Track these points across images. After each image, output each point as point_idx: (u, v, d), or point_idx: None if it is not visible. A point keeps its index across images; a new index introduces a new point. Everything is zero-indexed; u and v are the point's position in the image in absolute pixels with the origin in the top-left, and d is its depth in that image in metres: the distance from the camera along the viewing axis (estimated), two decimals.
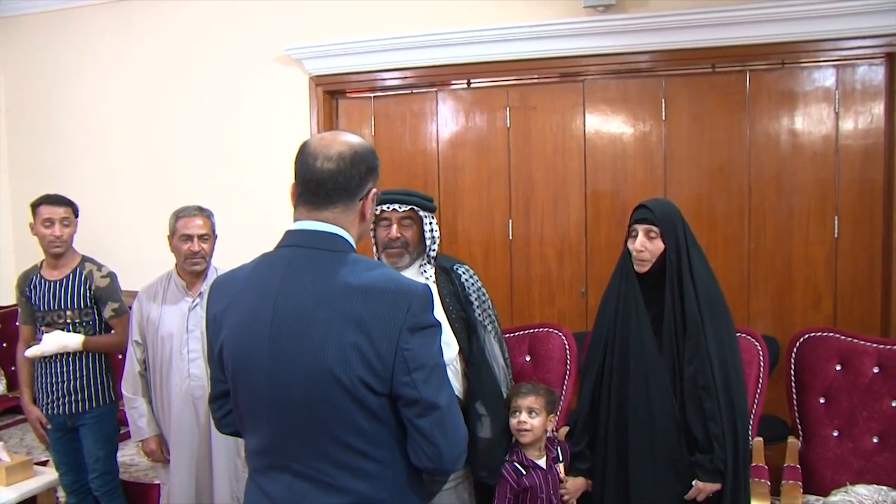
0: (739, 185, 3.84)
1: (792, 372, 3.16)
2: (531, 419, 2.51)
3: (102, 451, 3.30)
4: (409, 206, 2.52)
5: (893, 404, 3.02)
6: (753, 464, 2.84)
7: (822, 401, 3.11)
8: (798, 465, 2.99)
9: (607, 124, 4.03)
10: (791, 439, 3.16)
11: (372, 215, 1.63)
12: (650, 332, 2.38)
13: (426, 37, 4.07)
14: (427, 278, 2.57)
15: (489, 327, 2.62)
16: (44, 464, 3.58)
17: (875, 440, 3.02)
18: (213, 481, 3.03)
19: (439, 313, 2.51)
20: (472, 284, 2.63)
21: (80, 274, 3.27)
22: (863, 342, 3.12)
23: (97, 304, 3.29)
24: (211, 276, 3.05)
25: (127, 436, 3.39)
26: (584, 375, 2.61)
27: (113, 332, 3.31)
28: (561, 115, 4.09)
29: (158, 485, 3.26)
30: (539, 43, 3.91)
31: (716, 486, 2.33)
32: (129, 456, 3.68)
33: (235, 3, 4.53)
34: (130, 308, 3.18)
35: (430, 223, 2.55)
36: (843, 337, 3.14)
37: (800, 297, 3.81)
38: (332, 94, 4.47)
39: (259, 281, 1.54)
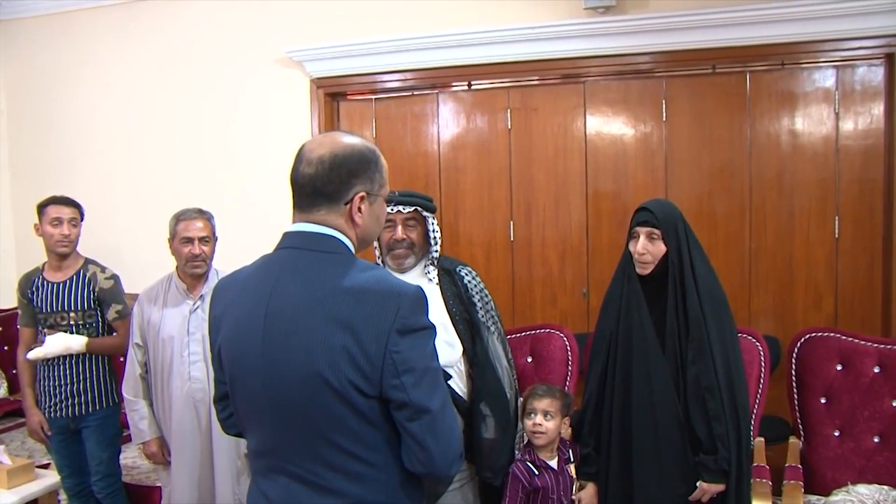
0: (740, 186, 3.84)
1: (793, 372, 3.16)
2: (546, 422, 2.53)
3: (105, 453, 3.30)
4: (413, 208, 2.53)
5: (894, 404, 3.02)
6: (755, 464, 2.84)
7: (823, 401, 3.11)
8: (799, 465, 2.99)
9: (608, 125, 4.03)
10: (792, 439, 3.16)
11: (374, 220, 1.59)
12: (653, 334, 2.38)
13: (427, 39, 4.08)
14: (430, 280, 2.58)
15: (492, 328, 2.63)
16: (45, 467, 3.57)
17: (876, 440, 3.02)
18: (215, 483, 3.02)
19: (443, 315, 2.52)
20: (476, 286, 2.64)
21: (84, 276, 3.28)
22: (863, 342, 3.12)
23: (101, 305, 3.29)
24: (212, 279, 3.06)
25: (129, 438, 3.39)
26: (587, 377, 2.61)
27: (116, 333, 3.31)
28: (562, 117, 4.10)
29: (160, 487, 3.26)
30: (540, 44, 3.92)
31: (720, 487, 2.33)
32: (131, 458, 3.68)
33: (236, 6, 4.53)
34: (132, 310, 3.18)
35: (433, 223, 2.57)
36: (843, 337, 3.14)
37: (801, 296, 3.82)
38: (333, 96, 4.48)
39: (255, 283, 1.55)
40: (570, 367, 3.10)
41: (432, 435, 1.46)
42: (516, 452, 2.62)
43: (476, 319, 2.60)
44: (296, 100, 4.45)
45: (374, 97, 4.45)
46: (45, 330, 3.24)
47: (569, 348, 3.12)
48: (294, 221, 1.56)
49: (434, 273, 2.60)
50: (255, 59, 4.51)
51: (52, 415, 3.26)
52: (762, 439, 3.11)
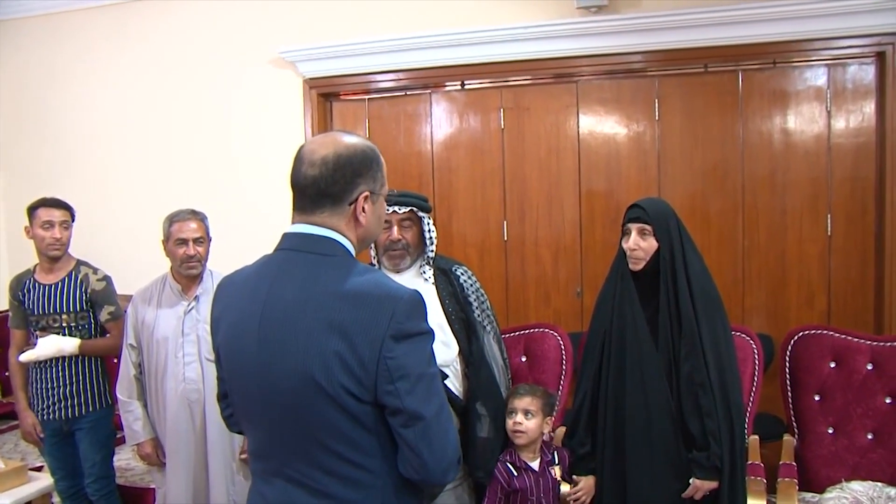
0: (733, 184, 3.85)
1: (787, 369, 3.18)
2: (527, 421, 2.52)
3: (99, 455, 3.29)
4: (409, 208, 2.53)
5: (887, 401, 3.03)
6: (749, 462, 2.85)
7: (816, 398, 3.13)
8: (794, 463, 3.00)
9: (601, 125, 4.04)
10: (786, 437, 3.17)
11: (376, 219, 1.58)
12: (646, 331, 2.39)
13: (420, 39, 4.07)
14: (426, 279, 2.59)
15: (488, 328, 2.64)
16: (38, 469, 3.56)
17: (869, 437, 3.04)
18: (209, 485, 3.02)
19: (439, 314, 2.52)
20: (471, 286, 2.65)
21: (76, 277, 3.27)
22: (856, 339, 3.14)
23: (93, 307, 3.28)
24: (206, 280, 3.05)
25: (123, 440, 3.38)
26: (580, 375, 2.61)
27: (109, 335, 3.30)
28: (555, 116, 4.10)
29: (154, 489, 3.26)
30: (532, 44, 3.92)
31: (713, 484, 2.34)
32: (125, 460, 3.66)
33: (229, 6, 4.52)
34: (125, 311, 3.17)
35: (429, 223, 2.58)
36: (836, 334, 3.16)
37: (794, 294, 3.83)
38: (326, 96, 4.47)
39: (252, 285, 1.54)
40: (564, 367, 3.11)
41: (426, 442, 1.44)
42: None
43: (472, 319, 2.60)
44: (289, 100, 4.44)
45: (367, 97, 4.45)
46: (38, 332, 3.23)
47: (563, 347, 3.13)
48: (294, 222, 1.54)
49: (430, 273, 2.60)
50: (249, 60, 4.50)
51: (44, 417, 3.25)
52: (756, 437, 3.12)
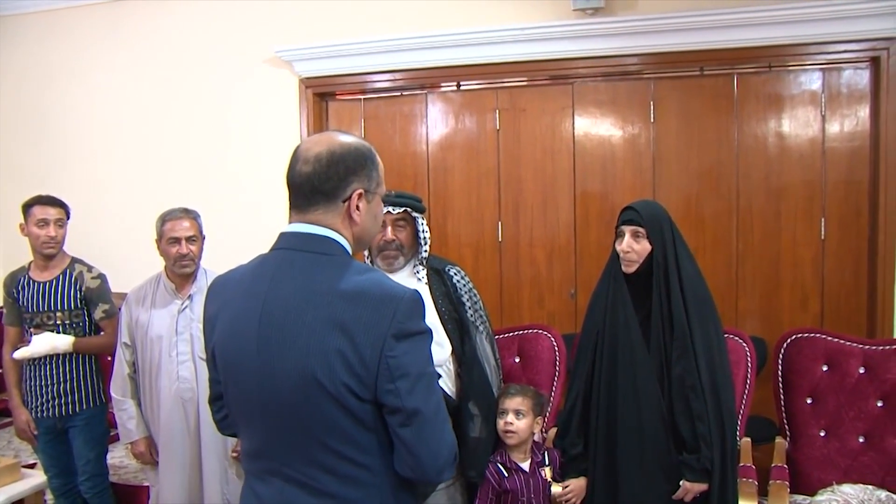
0: (727, 187, 3.86)
1: (779, 372, 3.19)
2: (518, 421, 2.52)
3: (93, 453, 3.29)
4: (403, 208, 2.53)
5: (879, 404, 3.04)
6: (741, 464, 2.85)
7: (808, 401, 3.14)
8: (785, 465, 3.01)
9: (596, 126, 4.05)
10: (778, 439, 3.18)
11: (371, 218, 1.58)
12: (638, 333, 2.40)
13: (416, 39, 4.08)
14: (420, 279, 2.59)
15: (481, 328, 2.65)
16: (32, 466, 3.56)
17: (861, 440, 3.05)
18: (203, 483, 3.02)
19: (432, 314, 2.53)
20: (464, 286, 2.65)
21: (70, 275, 3.27)
22: (849, 343, 3.15)
23: (87, 305, 3.28)
24: (200, 278, 3.05)
25: (116, 438, 3.38)
26: (572, 376, 2.62)
27: (103, 333, 3.30)
28: (550, 118, 4.11)
29: (148, 487, 3.25)
30: (528, 45, 3.93)
31: (703, 487, 2.35)
32: (119, 458, 3.66)
33: (225, 6, 4.52)
34: (120, 310, 3.17)
35: (423, 224, 2.58)
36: (829, 338, 3.17)
37: (787, 297, 3.84)
38: (322, 96, 4.48)
39: (250, 283, 1.53)
40: (557, 368, 3.11)
41: (423, 441, 1.45)
42: None
43: (465, 319, 2.61)
44: (285, 100, 4.44)
45: (362, 97, 4.45)
46: (32, 329, 3.23)
47: (556, 348, 3.13)
48: (291, 222, 1.55)
49: (423, 273, 2.61)
50: (244, 59, 4.50)
51: (38, 415, 3.25)
52: (748, 439, 3.12)
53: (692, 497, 2.36)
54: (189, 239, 2.98)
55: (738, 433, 2.50)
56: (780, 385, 3.18)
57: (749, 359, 3.06)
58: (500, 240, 4.23)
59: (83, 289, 3.26)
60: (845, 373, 3.10)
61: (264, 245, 1.61)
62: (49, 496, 3.48)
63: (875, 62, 3.61)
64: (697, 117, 3.88)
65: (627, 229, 2.40)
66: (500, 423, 2.55)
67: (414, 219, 2.58)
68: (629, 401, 2.38)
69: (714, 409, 2.34)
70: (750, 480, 2.81)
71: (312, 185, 1.50)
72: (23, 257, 3.41)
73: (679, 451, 2.36)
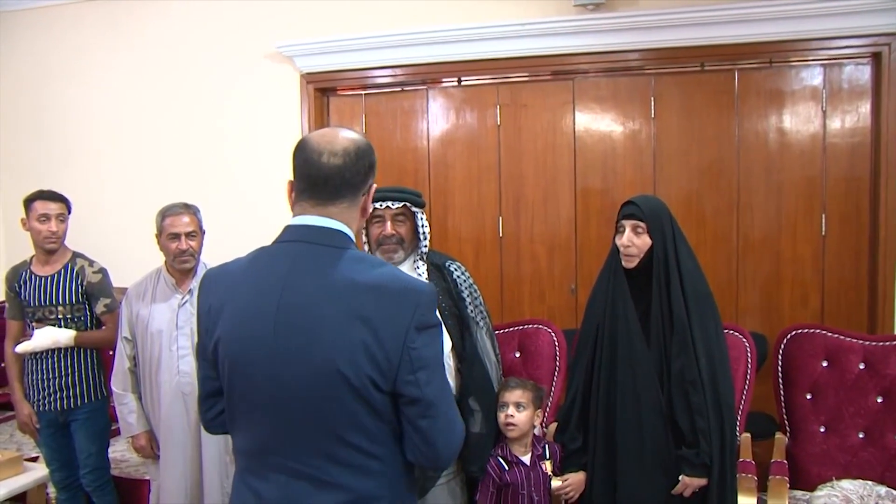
0: (728, 183, 3.86)
1: (779, 368, 3.19)
2: (518, 413, 2.53)
3: (94, 446, 3.30)
4: (403, 203, 2.53)
5: (879, 400, 3.05)
6: (741, 459, 2.86)
7: (808, 397, 3.14)
8: (785, 461, 3.02)
9: (597, 122, 4.05)
10: (778, 435, 3.19)
11: (369, 211, 1.63)
12: (638, 328, 2.40)
13: (417, 34, 4.08)
14: (420, 275, 2.59)
15: (481, 323, 2.65)
16: (34, 460, 3.57)
17: (861, 435, 3.05)
18: (203, 477, 3.03)
19: None
20: (464, 281, 2.65)
21: (72, 269, 3.27)
22: (849, 339, 3.15)
23: (89, 299, 3.28)
24: (200, 273, 3.06)
25: (118, 432, 3.39)
26: (572, 371, 2.63)
27: (104, 327, 3.31)
28: (551, 113, 4.11)
29: (149, 480, 3.27)
30: (529, 41, 3.93)
31: (702, 481, 2.35)
32: (120, 452, 3.67)
33: (226, 1, 4.52)
34: (120, 304, 3.18)
35: (422, 219, 2.58)
36: (829, 333, 3.17)
37: (787, 293, 3.85)
38: (324, 91, 4.48)
39: (261, 275, 1.53)
40: (557, 363, 3.12)
41: (439, 430, 1.50)
42: None
43: (465, 315, 2.61)
44: (286, 95, 4.45)
45: (363, 92, 4.45)
46: (34, 323, 3.24)
47: (556, 343, 3.14)
48: (303, 213, 1.54)
49: (423, 268, 2.61)
50: (246, 54, 4.50)
51: (40, 408, 3.26)
52: (748, 435, 3.13)
53: (691, 492, 2.37)
54: (189, 234, 2.99)
55: (737, 428, 2.51)
56: (780, 381, 3.19)
57: (749, 354, 3.06)
58: (500, 235, 4.23)
59: (84, 283, 3.27)
60: (845, 368, 3.10)
61: (264, 240, 1.61)
62: (51, 489, 3.49)
63: (876, 58, 3.61)
64: (698, 113, 3.88)
65: (628, 224, 2.40)
66: (501, 416, 2.56)
67: (413, 213, 2.57)
68: (629, 396, 2.39)
69: (713, 404, 2.34)
70: (749, 476, 2.82)
71: (343, 177, 1.51)
72: (24, 252, 3.42)
73: (678, 446, 2.36)
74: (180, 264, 3.00)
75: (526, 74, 4.13)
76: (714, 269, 3.78)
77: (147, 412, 3.09)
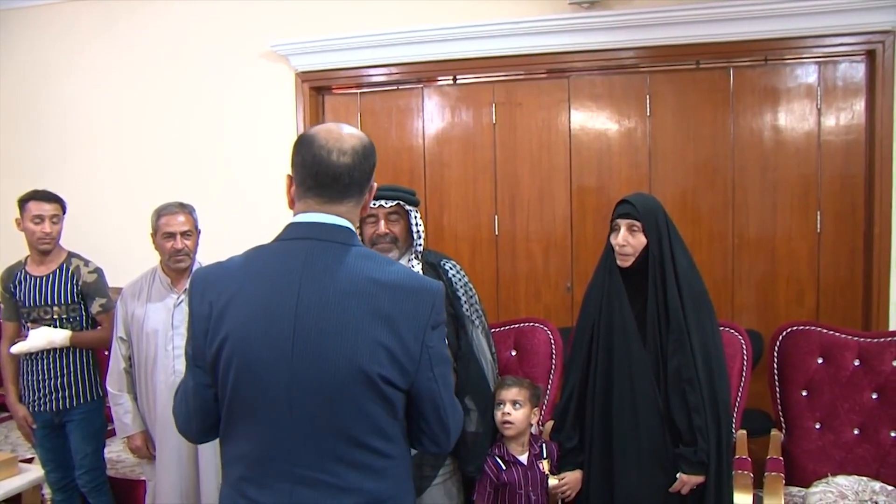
0: (723, 181, 3.87)
1: (775, 365, 3.20)
2: (515, 411, 2.53)
3: (90, 447, 3.29)
4: (396, 202, 2.53)
5: (873, 396, 3.06)
6: (737, 456, 2.87)
7: (804, 394, 3.15)
8: (781, 458, 3.02)
9: (592, 120, 4.05)
10: (774, 432, 3.19)
11: (368, 209, 1.64)
12: (634, 326, 2.40)
13: (412, 33, 4.08)
14: None
15: (476, 322, 2.64)
16: (29, 461, 3.56)
17: (856, 432, 3.06)
18: (199, 477, 3.02)
19: None
20: (460, 280, 2.64)
21: (67, 269, 3.26)
22: (844, 335, 3.16)
23: (84, 299, 3.27)
24: None
25: (114, 432, 3.38)
26: (568, 370, 2.63)
27: (100, 327, 3.30)
28: (546, 111, 4.11)
29: (145, 481, 3.26)
30: (524, 39, 3.93)
31: (699, 479, 2.35)
32: (116, 452, 3.66)
33: (221, 1, 4.51)
34: (115, 304, 3.17)
35: (416, 217, 2.57)
36: (824, 330, 3.18)
37: (783, 291, 3.86)
38: (319, 90, 4.47)
39: (273, 273, 1.48)
40: (553, 361, 3.12)
41: (452, 418, 1.57)
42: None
43: (461, 313, 2.60)
44: (281, 94, 4.44)
45: (359, 91, 4.45)
46: (29, 324, 3.23)
47: (553, 342, 3.14)
48: (306, 211, 1.52)
49: (419, 267, 2.60)
50: (241, 53, 4.49)
51: (36, 409, 3.25)
52: (744, 432, 3.13)
53: (688, 490, 2.37)
54: (184, 234, 2.98)
55: (732, 425, 2.51)
56: (776, 378, 3.20)
57: (745, 352, 3.07)
58: (496, 233, 4.23)
59: (80, 283, 3.26)
60: (840, 365, 3.11)
61: (261, 238, 1.60)
62: (46, 491, 3.48)
63: (871, 55, 3.62)
64: (693, 111, 3.89)
65: (623, 223, 2.40)
66: (498, 413, 2.56)
67: (407, 212, 2.57)
68: (625, 394, 2.39)
69: (710, 401, 2.34)
70: (746, 473, 2.82)
71: (352, 177, 1.51)
72: (20, 252, 3.40)
73: (675, 444, 2.37)
74: (175, 264, 2.99)
75: (521, 73, 4.13)
76: (710, 266, 3.79)
77: (142, 412, 3.08)
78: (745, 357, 3.06)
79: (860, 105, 3.69)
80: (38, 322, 3.22)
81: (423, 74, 4.25)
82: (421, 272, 2.59)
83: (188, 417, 1.61)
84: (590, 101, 4.04)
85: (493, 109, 4.19)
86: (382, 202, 2.50)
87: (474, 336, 2.61)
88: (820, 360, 3.14)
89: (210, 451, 3.00)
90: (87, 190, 4.76)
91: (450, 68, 4.18)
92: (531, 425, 2.61)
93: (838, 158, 3.73)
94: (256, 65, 4.47)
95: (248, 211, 4.44)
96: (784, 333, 3.20)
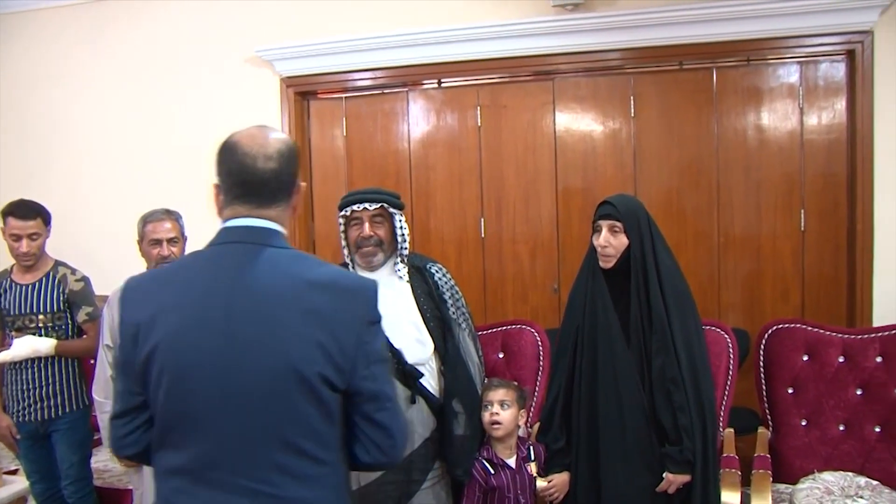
0: (708, 181, 3.89)
1: (761, 363, 3.21)
2: (503, 412, 2.54)
3: (76, 456, 3.27)
4: (380, 204, 2.53)
5: (858, 392, 3.08)
6: (724, 454, 2.88)
7: (790, 391, 3.16)
8: (768, 455, 3.03)
9: (577, 122, 4.06)
10: (761, 429, 3.20)
11: (299, 209, 1.64)
12: (618, 327, 2.41)
13: (397, 37, 4.08)
14: (400, 277, 2.59)
15: (463, 325, 2.65)
16: (13, 472, 3.53)
17: (841, 428, 3.08)
18: None
19: (414, 312, 2.54)
20: (446, 283, 2.65)
21: (54, 278, 3.24)
22: (828, 332, 3.17)
23: (70, 308, 3.25)
24: None
25: (100, 442, 3.36)
26: (553, 371, 2.63)
27: (85, 336, 3.28)
28: (531, 114, 4.12)
29: (132, 490, 3.24)
30: (509, 42, 3.94)
31: (686, 478, 2.36)
32: (103, 462, 3.64)
33: (206, 5, 4.50)
34: (101, 311, 3.15)
35: (401, 220, 2.57)
36: (809, 328, 3.19)
37: (769, 289, 3.88)
38: (304, 95, 4.47)
39: (204, 279, 1.48)
40: (541, 362, 3.12)
41: (396, 422, 1.52)
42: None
43: (447, 317, 2.61)
44: (266, 99, 4.43)
45: (344, 96, 4.44)
46: (13, 332, 3.20)
47: (540, 343, 3.14)
48: (234, 216, 1.52)
49: (404, 271, 2.60)
50: (225, 59, 4.48)
51: (20, 419, 3.22)
52: (732, 430, 3.14)
53: (675, 489, 2.38)
54: (170, 241, 2.96)
55: (719, 424, 2.52)
56: (762, 376, 3.21)
57: (731, 350, 3.08)
58: (482, 236, 4.24)
59: (66, 291, 3.24)
60: (825, 362, 3.12)
61: None
62: (32, 502, 3.45)
63: (850, 55, 3.64)
64: (677, 111, 3.91)
65: (604, 224, 2.41)
66: (486, 415, 2.56)
67: (391, 215, 2.57)
68: (610, 395, 2.39)
69: (695, 401, 2.35)
70: (733, 470, 2.83)
71: (280, 181, 1.52)
72: (6, 259, 3.37)
73: (661, 444, 2.37)
74: None
75: (506, 75, 4.14)
76: (695, 266, 3.81)
77: None
78: (732, 356, 3.08)
79: (841, 104, 3.71)
80: (22, 331, 3.19)
81: (408, 78, 4.25)
82: (407, 275, 2.59)
83: (115, 423, 1.56)
84: (574, 102, 4.06)
85: (479, 112, 4.20)
86: (366, 205, 2.51)
87: (461, 339, 2.62)
88: (805, 358, 3.16)
89: None
90: (73, 196, 4.73)
91: (435, 72, 4.19)
92: (519, 427, 2.61)
93: (821, 157, 3.76)
94: (241, 70, 4.46)
95: None
96: (770, 331, 3.22)
